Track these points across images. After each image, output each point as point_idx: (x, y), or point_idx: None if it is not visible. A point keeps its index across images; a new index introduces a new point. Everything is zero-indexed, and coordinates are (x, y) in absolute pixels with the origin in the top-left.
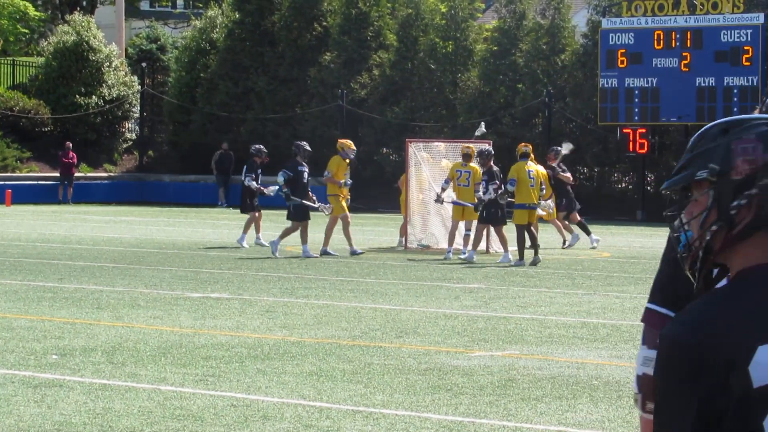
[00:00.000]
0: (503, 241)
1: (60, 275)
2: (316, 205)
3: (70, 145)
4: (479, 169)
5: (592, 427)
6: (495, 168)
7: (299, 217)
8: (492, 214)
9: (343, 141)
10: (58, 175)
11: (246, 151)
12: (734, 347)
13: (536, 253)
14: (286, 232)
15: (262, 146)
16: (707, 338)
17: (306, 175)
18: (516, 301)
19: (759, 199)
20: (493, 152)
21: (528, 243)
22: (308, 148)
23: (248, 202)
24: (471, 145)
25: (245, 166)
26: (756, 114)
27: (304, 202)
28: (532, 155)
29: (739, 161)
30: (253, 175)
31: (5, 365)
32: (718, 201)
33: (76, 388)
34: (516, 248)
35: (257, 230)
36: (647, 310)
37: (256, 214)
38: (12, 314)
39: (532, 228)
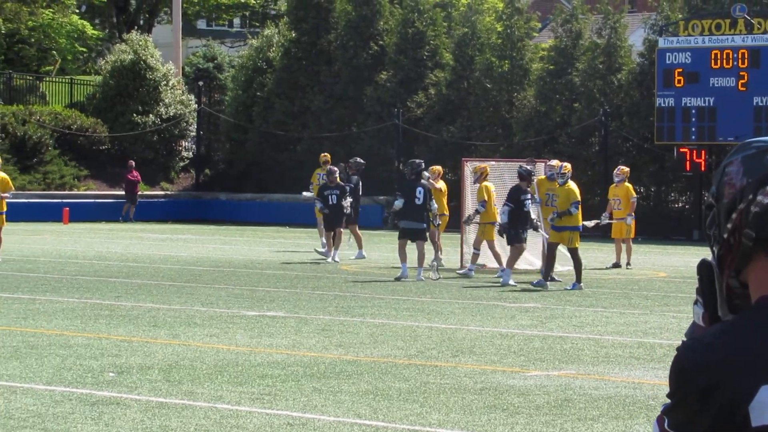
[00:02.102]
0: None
1: (117, 293)
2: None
3: (133, 163)
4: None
5: None
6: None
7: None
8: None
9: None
10: (118, 193)
11: (304, 170)
12: (737, 384)
13: (579, 279)
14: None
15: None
16: (714, 371)
17: (420, 195)
18: (572, 321)
19: (737, 225)
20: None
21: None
22: (418, 166)
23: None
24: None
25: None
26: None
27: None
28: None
29: (726, 185)
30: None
31: (63, 383)
32: (717, 224)
33: (133, 405)
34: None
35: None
36: None
37: (340, 230)
38: (69, 332)
39: (578, 252)
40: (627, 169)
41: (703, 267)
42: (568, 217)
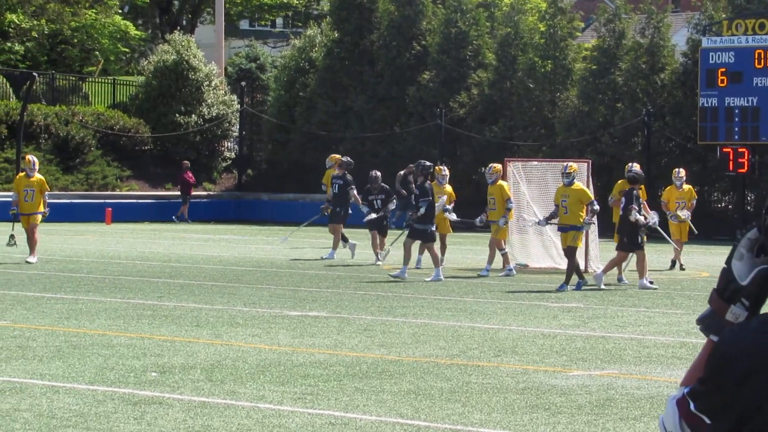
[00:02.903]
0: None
1: (159, 293)
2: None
3: (188, 164)
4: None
5: None
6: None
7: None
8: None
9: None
10: (160, 193)
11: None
12: None
13: (567, 281)
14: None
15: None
16: (756, 355)
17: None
18: (614, 321)
19: None
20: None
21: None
22: (429, 167)
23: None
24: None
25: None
26: None
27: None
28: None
29: None
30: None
31: (105, 382)
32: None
33: (175, 405)
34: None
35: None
36: None
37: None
38: (112, 332)
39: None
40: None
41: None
42: (572, 216)
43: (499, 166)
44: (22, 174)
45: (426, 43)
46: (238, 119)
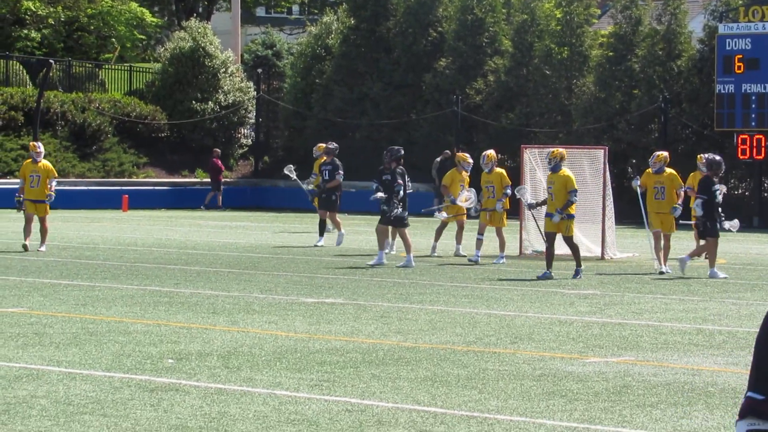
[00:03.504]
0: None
1: (176, 280)
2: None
3: (219, 152)
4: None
5: None
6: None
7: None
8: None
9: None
10: (177, 180)
11: (363, 157)
12: None
13: (579, 263)
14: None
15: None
16: None
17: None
18: (631, 308)
19: None
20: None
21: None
22: (398, 152)
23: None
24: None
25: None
26: None
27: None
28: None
29: None
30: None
31: (122, 369)
32: None
33: (191, 392)
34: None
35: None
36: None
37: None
38: (129, 319)
39: (573, 240)
40: None
41: None
42: (559, 203)
43: (493, 153)
44: (28, 160)
45: (442, 30)
46: (254, 106)
